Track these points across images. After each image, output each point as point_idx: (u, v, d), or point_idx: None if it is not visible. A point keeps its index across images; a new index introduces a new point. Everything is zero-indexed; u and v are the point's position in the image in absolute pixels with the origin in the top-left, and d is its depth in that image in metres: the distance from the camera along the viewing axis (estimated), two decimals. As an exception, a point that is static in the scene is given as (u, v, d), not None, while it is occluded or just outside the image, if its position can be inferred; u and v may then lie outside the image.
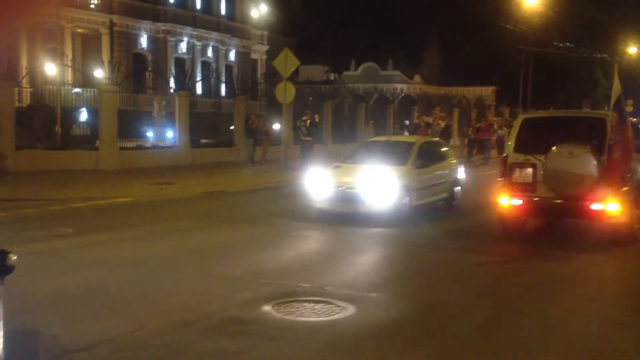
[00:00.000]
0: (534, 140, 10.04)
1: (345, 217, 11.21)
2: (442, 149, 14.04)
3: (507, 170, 10.08)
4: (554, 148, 9.39)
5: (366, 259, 9.11)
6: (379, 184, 11.17)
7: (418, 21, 48.00)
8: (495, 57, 46.72)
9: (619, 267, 8.77)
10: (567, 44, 41.22)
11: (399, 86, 49.13)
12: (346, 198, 11.24)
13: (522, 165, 9.90)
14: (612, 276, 8.32)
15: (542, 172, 9.59)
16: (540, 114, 12.53)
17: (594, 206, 9.37)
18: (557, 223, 11.23)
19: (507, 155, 10.28)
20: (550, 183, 9.54)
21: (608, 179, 9.26)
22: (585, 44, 43.45)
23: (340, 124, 30.68)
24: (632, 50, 47.46)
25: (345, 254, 9.02)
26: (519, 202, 9.81)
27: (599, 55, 44.44)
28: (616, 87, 9.83)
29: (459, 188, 13.57)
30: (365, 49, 50.41)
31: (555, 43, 40.74)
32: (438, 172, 12.78)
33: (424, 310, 6.49)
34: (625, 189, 9.48)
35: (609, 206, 9.27)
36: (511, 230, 10.23)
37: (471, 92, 49.08)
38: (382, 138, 15.44)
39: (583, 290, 7.42)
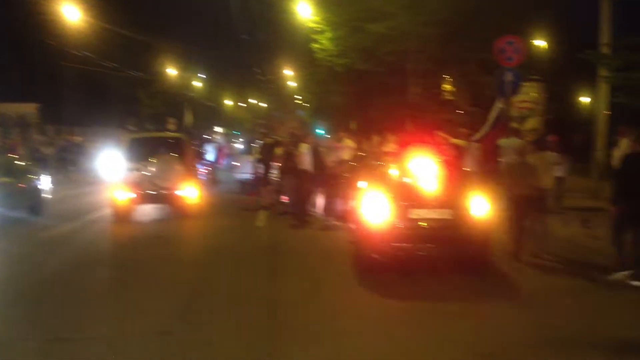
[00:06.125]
0: (139, 153, 14.64)
1: None
2: None
3: (120, 173, 14.59)
4: (153, 158, 14.38)
5: None
6: None
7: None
8: (39, 73, 44.60)
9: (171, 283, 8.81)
10: (111, 63, 42.12)
11: None
12: None
13: (133, 170, 14.36)
14: (167, 287, 8.48)
15: (148, 173, 14.21)
16: (142, 134, 17.68)
17: (182, 194, 14.28)
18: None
19: (118, 163, 14.84)
20: (153, 182, 14.12)
21: (188, 176, 14.71)
22: (127, 64, 45.00)
23: None
24: (171, 71, 51.47)
25: None
26: (132, 195, 14.07)
27: (134, 74, 46.76)
28: (188, 119, 16.11)
29: None
30: None
31: (99, 61, 41.15)
32: None
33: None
34: (195, 181, 15.15)
35: (191, 193, 14.46)
36: (124, 216, 14.06)
37: (10, 108, 45.62)
38: None
39: (133, 303, 7.63)
